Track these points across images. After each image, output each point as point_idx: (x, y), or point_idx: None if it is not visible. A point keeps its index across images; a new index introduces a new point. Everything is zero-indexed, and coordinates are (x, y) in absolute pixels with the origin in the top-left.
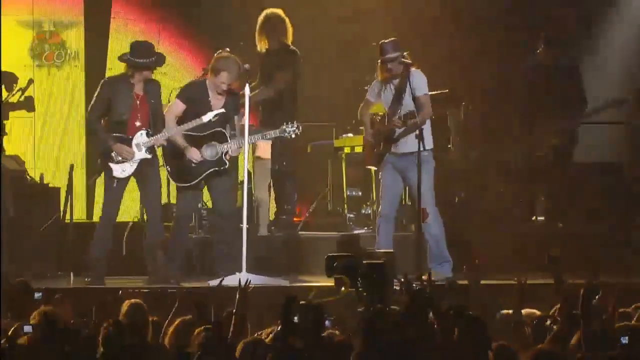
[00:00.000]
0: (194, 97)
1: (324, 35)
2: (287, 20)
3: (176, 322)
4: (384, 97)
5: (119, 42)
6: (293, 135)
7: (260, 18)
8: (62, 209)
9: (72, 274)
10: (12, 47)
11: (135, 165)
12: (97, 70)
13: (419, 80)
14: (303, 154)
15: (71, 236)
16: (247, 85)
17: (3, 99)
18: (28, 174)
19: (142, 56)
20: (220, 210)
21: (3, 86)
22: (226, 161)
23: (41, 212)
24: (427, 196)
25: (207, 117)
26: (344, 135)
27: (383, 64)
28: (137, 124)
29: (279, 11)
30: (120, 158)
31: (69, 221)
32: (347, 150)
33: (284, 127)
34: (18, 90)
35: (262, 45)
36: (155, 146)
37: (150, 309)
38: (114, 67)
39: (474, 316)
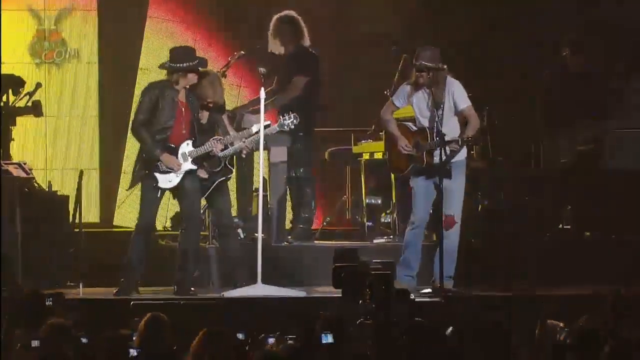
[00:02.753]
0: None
1: (342, 36)
2: (301, 21)
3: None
4: (417, 104)
5: (153, 42)
6: (292, 126)
7: (274, 20)
8: (70, 217)
9: (81, 285)
10: (12, 44)
11: (180, 177)
12: (111, 70)
13: (459, 92)
14: (320, 161)
15: (81, 245)
16: (262, 89)
17: (10, 103)
18: (36, 182)
19: (183, 60)
20: (224, 221)
21: (10, 90)
22: (232, 169)
23: (49, 222)
24: (460, 205)
25: (256, 128)
26: (363, 141)
27: (418, 71)
28: (183, 131)
29: (293, 12)
30: (165, 168)
31: (78, 230)
32: (366, 156)
33: (281, 120)
34: (25, 95)
35: (277, 49)
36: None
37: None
38: (147, 67)
39: (496, 330)
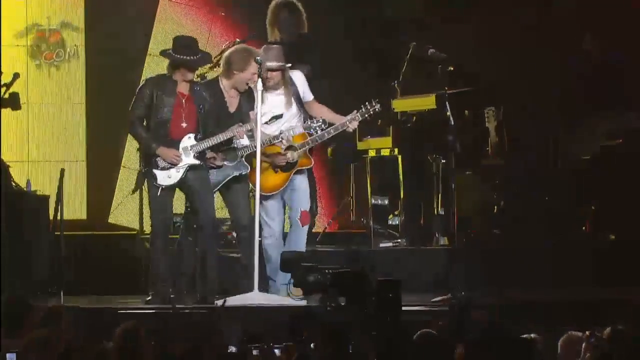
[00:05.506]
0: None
1: (348, 23)
2: (301, 7)
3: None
4: None
5: (164, 27)
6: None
7: (272, 7)
8: (51, 218)
9: (62, 292)
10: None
11: (182, 172)
12: (97, 65)
13: None
14: (322, 158)
15: (62, 249)
16: (259, 80)
17: None
18: (13, 181)
19: (184, 53)
20: (238, 221)
21: None
22: (247, 165)
23: (28, 225)
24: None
25: (266, 118)
26: (368, 137)
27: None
28: (183, 125)
29: None
30: (165, 164)
31: (59, 233)
32: (372, 153)
33: (309, 122)
34: (2, 86)
35: (275, 37)
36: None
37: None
38: (156, 53)
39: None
